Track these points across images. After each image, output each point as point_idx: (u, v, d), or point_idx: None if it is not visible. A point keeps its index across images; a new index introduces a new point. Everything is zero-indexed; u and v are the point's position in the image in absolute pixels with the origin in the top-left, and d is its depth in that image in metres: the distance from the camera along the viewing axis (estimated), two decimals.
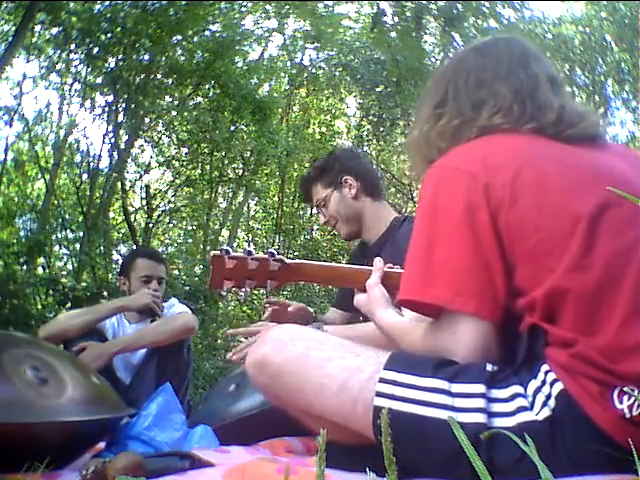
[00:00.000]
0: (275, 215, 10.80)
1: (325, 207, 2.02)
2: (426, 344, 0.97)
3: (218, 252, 1.21)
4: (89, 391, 1.25)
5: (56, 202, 8.40)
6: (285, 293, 8.74)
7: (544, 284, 0.85)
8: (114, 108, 8.06)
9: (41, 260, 7.42)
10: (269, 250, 1.24)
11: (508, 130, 1.00)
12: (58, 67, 8.33)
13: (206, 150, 9.19)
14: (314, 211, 2.13)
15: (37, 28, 7.74)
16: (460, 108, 1.05)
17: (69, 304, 6.08)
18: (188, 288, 7.11)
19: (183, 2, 7.74)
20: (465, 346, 0.90)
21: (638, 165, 1.00)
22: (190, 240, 10.46)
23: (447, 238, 0.92)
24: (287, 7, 9.59)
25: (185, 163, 9.38)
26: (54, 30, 7.67)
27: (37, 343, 1.50)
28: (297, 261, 1.30)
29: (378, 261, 1.23)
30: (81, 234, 7.63)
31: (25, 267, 6.67)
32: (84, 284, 7.22)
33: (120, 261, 7.98)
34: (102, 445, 1.42)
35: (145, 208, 9.29)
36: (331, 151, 2.25)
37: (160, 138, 9.27)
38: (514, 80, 1.04)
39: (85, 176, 8.30)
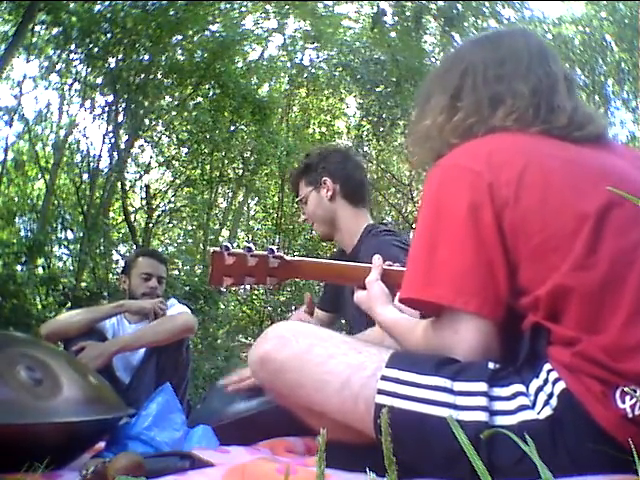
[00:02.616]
0: (275, 215, 10.80)
1: (305, 205, 2.02)
2: (427, 342, 0.97)
3: (218, 248, 1.21)
4: (86, 391, 1.23)
5: (56, 202, 8.41)
6: (285, 293, 8.75)
7: (548, 283, 0.85)
8: (114, 108, 8.06)
9: (41, 260, 7.41)
10: (269, 247, 1.24)
11: (514, 129, 0.99)
12: (58, 67, 8.33)
13: (206, 150, 9.19)
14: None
15: (37, 28, 7.74)
16: (478, 104, 1.03)
17: (69, 304, 6.08)
18: (188, 288, 7.10)
19: (183, 2, 7.74)
20: (466, 345, 0.89)
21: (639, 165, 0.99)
22: (190, 240, 10.46)
23: (450, 236, 0.92)
24: (287, 7, 9.59)
25: (185, 163, 9.38)
26: (54, 30, 7.67)
27: (34, 343, 1.47)
28: (297, 258, 1.30)
29: (377, 258, 1.23)
30: (81, 234, 7.63)
31: (25, 267, 6.66)
32: (84, 284, 7.23)
33: (120, 261, 8.00)
34: (102, 445, 1.42)
35: (145, 208, 9.29)
36: (321, 149, 2.22)
37: (160, 138, 9.27)
38: (533, 78, 1.02)
39: (85, 176, 8.30)
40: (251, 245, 1.23)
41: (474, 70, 1.06)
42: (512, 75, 1.03)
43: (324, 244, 10.35)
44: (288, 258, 1.26)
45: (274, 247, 1.24)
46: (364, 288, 1.20)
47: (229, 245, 1.21)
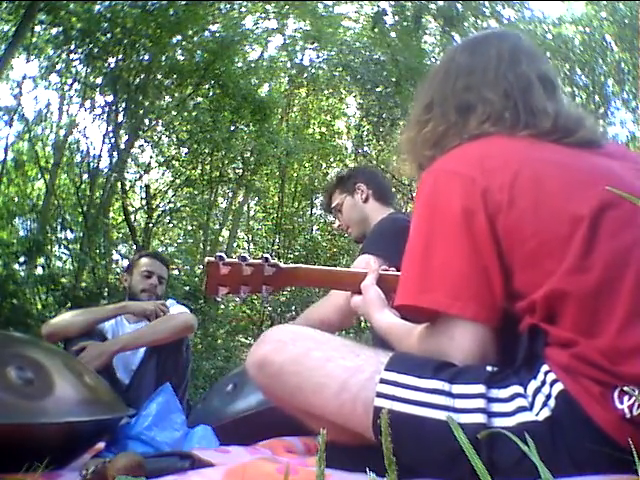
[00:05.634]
0: (275, 215, 10.81)
1: (340, 212, 2.24)
2: (423, 348, 0.97)
3: (212, 258, 1.21)
4: (81, 392, 1.22)
5: (56, 202, 8.41)
6: (285, 294, 8.75)
7: (544, 286, 0.85)
8: (114, 108, 8.06)
9: (41, 260, 7.41)
10: (264, 255, 1.24)
11: (504, 134, 0.99)
12: (58, 67, 8.34)
13: (206, 150, 9.20)
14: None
15: (37, 28, 7.75)
16: (445, 113, 1.04)
17: (69, 304, 6.09)
18: (188, 288, 7.11)
19: (183, 2, 7.75)
20: (462, 350, 0.89)
21: (635, 166, 0.99)
22: (190, 240, 10.47)
23: (444, 242, 0.91)
24: (287, 7, 9.61)
25: (185, 163, 9.38)
26: (54, 30, 7.68)
27: (29, 343, 1.45)
28: (292, 265, 1.30)
29: (373, 262, 1.23)
30: (81, 234, 7.63)
31: (25, 267, 6.66)
32: (84, 284, 7.23)
33: (120, 261, 8.01)
34: (102, 445, 1.42)
35: (145, 208, 9.29)
36: (350, 168, 2.66)
37: (160, 138, 9.27)
38: (503, 83, 1.02)
39: (85, 176, 8.31)
40: (246, 254, 1.24)
41: (446, 82, 1.08)
42: (480, 83, 1.04)
43: (324, 244, 10.36)
44: (283, 266, 1.26)
45: (269, 255, 1.25)
46: (360, 293, 1.20)
47: (224, 255, 1.21)
